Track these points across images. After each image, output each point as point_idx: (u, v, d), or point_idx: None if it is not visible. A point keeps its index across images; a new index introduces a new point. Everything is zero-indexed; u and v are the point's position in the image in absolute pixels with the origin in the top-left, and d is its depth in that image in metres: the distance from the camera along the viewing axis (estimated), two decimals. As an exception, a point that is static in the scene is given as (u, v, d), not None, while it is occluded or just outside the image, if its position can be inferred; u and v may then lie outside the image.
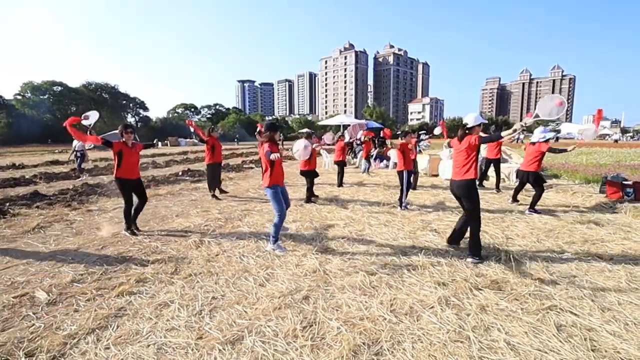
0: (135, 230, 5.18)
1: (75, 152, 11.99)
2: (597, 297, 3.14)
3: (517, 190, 7.03)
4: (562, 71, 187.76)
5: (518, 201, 7.01)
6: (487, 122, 4.37)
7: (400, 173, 6.76)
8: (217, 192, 7.97)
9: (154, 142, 6.15)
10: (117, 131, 5.23)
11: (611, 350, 2.38)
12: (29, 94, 48.81)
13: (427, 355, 2.33)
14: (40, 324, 2.73)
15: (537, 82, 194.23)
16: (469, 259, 4.01)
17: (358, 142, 13.95)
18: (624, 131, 78.61)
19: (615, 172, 8.66)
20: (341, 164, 9.61)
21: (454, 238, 4.49)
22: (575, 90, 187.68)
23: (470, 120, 4.09)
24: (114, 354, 2.36)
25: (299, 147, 4.72)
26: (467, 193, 4.05)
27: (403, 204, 6.71)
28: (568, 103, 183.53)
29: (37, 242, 4.78)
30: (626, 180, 7.50)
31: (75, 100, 50.95)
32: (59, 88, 50.55)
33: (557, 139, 44.80)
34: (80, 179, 10.84)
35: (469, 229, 4.12)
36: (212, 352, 2.36)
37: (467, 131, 4.09)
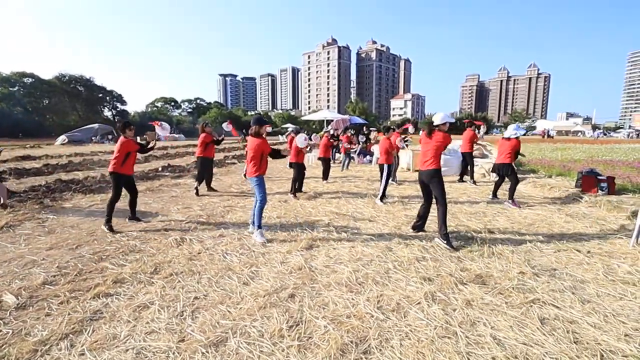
0: (136, 221, 5.41)
1: None
2: (577, 289, 3.21)
3: (498, 185, 7.19)
4: (538, 69, 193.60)
5: (498, 197, 7.15)
6: (454, 121, 4.73)
7: (381, 166, 6.94)
8: (199, 188, 7.77)
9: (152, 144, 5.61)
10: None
11: (593, 342, 2.42)
12: (-3, 86, 46.33)
13: (415, 352, 2.31)
14: (8, 329, 2.55)
15: (515, 80, 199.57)
16: (437, 240, 4.41)
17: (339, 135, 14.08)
18: (595, 128, 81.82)
19: (589, 167, 8.94)
20: (326, 160, 9.55)
21: (420, 225, 4.91)
22: (550, 88, 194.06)
23: (437, 119, 4.55)
24: (89, 361, 2.23)
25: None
26: (434, 180, 4.45)
27: (379, 196, 6.82)
28: (543, 100, 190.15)
29: (6, 242, 4.50)
30: (600, 175, 7.76)
31: (48, 93, 48.44)
32: (30, 80, 47.99)
33: (526, 133, 46.57)
34: None
35: (437, 214, 4.44)
36: (194, 356, 2.27)
37: (433, 128, 4.53)
